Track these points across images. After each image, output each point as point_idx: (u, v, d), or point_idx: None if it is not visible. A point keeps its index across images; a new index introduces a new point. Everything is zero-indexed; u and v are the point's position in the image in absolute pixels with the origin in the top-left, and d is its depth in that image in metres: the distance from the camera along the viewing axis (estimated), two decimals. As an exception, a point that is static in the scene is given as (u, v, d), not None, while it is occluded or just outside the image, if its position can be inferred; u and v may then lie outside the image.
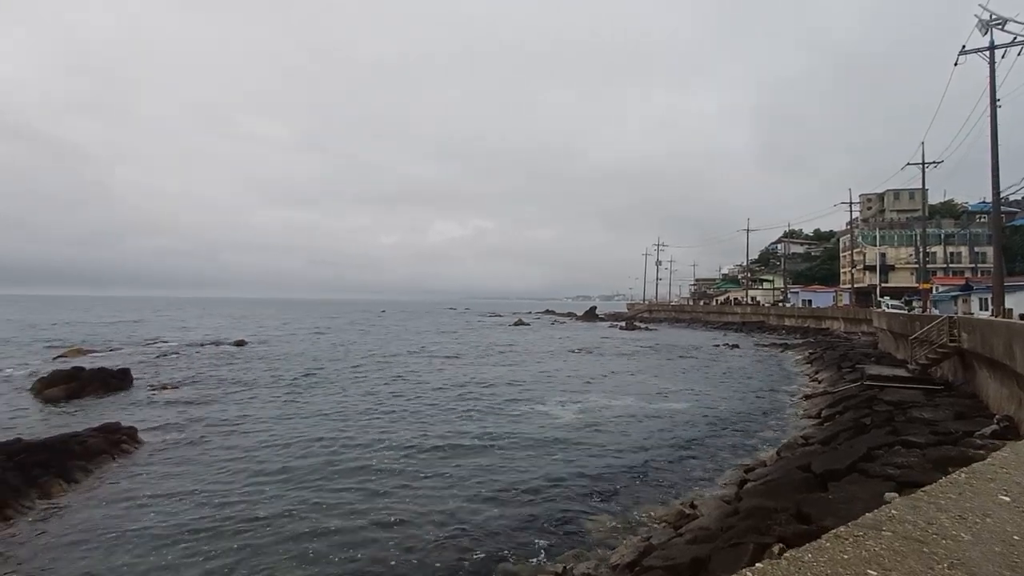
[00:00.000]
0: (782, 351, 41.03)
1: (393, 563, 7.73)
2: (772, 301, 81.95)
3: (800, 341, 46.57)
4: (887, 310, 35.65)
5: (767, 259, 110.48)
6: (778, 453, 12.84)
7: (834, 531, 3.26)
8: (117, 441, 12.96)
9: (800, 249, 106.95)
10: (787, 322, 63.05)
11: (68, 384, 20.40)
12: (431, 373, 28.27)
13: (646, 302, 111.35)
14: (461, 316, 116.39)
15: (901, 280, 61.14)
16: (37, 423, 16.06)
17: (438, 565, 7.70)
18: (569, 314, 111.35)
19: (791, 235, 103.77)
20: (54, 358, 31.26)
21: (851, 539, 3.14)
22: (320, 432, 15.27)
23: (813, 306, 66.52)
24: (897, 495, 5.77)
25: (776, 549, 5.76)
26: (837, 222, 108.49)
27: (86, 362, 27.23)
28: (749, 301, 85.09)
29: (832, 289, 72.77)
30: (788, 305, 71.82)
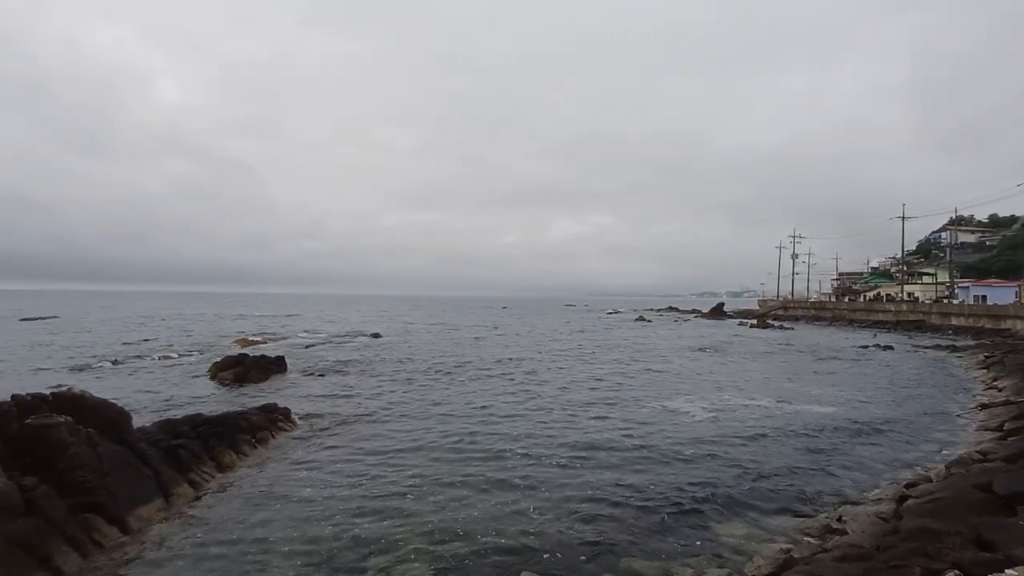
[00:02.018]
0: (948, 354, 36.04)
1: (521, 550, 7.89)
2: (934, 297, 72.32)
3: (972, 343, 40.53)
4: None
5: (927, 250, 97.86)
6: (947, 468, 11.26)
7: None
8: (275, 420, 14.55)
9: (971, 238, 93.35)
10: (954, 321, 55.24)
11: (236, 369, 23.29)
12: (559, 368, 28.49)
13: (780, 298, 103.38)
14: (581, 313, 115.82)
15: (1110, 272, 51.08)
16: (212, 401, 18.50)
17: (573, 557, 7.74)
18: (693, 311, 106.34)
19: (959, 222, 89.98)
20: (226, 346, 35.92)
21: None
22: (454, 421, 15.97)
23: (989, 303, 57.69)
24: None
25: (950, 576, 5.05)
26: (1020, 206, 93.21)
27: (250, 350, 30.88)
28: (905, 297, 75.70)
29: (1015, 283, 62.70)
30: (955, 302, 62.88)
